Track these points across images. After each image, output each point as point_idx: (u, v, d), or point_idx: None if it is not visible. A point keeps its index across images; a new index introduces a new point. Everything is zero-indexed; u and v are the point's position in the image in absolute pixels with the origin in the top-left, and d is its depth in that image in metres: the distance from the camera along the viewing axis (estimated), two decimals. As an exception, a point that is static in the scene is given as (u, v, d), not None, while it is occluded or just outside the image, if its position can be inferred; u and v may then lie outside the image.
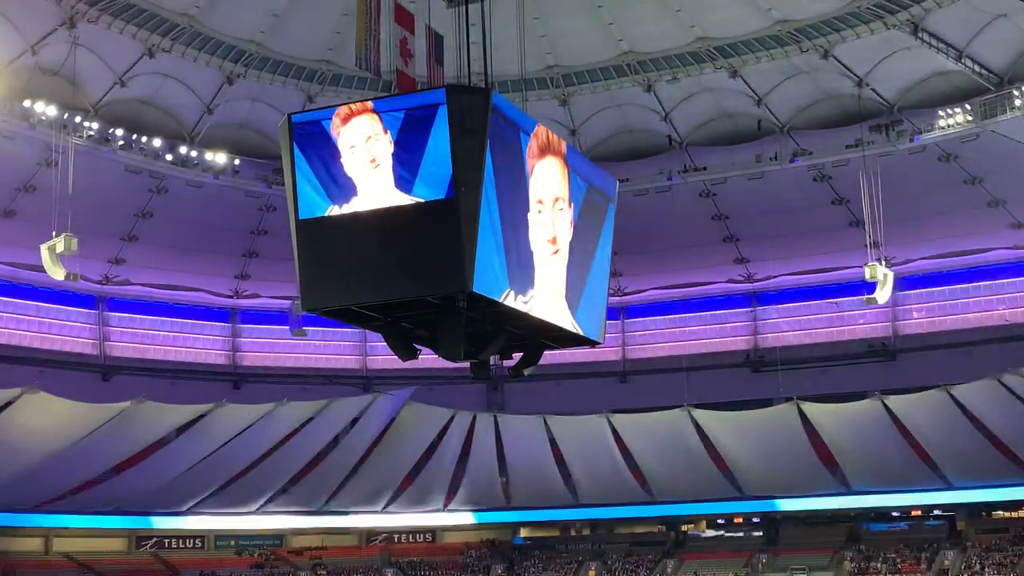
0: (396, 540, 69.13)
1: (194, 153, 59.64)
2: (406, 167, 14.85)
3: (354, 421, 69.22)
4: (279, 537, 67.19)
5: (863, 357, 70.67)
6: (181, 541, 64.87)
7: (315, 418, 67.52)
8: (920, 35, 54.54)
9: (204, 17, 53.70)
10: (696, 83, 60.69)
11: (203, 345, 74.03)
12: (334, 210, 15.20)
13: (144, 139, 57.62)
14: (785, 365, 71.17)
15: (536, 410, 70.38)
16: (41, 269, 43.33)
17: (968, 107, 56.70)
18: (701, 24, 56.15)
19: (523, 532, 70.83)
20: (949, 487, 59.58)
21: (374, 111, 15.18)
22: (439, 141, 14.57)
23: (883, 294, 47.02)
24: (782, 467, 63.45)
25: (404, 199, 14.80)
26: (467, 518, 67.40)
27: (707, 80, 60.27)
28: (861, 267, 50.41)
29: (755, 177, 63.48)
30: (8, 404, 59.27)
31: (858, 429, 63.80)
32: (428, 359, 17.66)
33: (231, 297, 73.44)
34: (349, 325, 17.90)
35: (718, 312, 75.17)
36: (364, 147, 15.13)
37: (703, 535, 68.15)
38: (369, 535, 68.79)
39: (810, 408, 66.00)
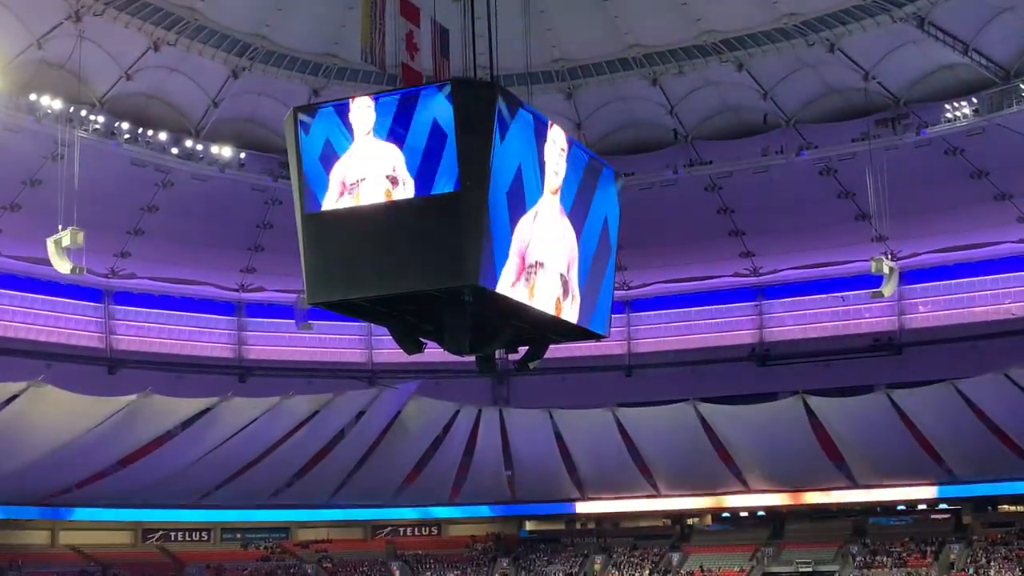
0: (402, 533, 69.30)
1: (200, 147, 59.60)
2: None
3: (360, 415, 69.25)
4: (285, 530, 67.35)
5: (869, 351, 70.55)
6: (187, 534, 65.11)
7: (320, 412, 67.55)
8: (926, 28, 54.38)
9: (209, 10, 53.68)
10: (702, 77, 60.51)
11: (209, 339, 74.10)
12: (340, 204, 15.19)
13: (150, 133, 57.61)
14: (791, 359, 71.16)
15: (541, 404, 70.39)
16: (47, 263, 43.25)
17: (974, 101, 56.58)
18: (707, 17, 55.99)
19: (528, 525, 70.94)
20: (955, 481, 59.57)
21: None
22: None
23: (889, 288, 47.04)
24: (788, 461, 63.39)
25: (410, 193, 14.79)
26: (472, 512, 67.49)
27: (713, 74, 60.10)
28: (867, 261, 50.59)
29: (761, 171, 63.30)
30: (14, 397, 59.27)
31: (864, 423, 63.71)
32: (433, 353, 17.60)
33: (237, 291, 73.44)
34: (354, 319, 17.86)
35: (723, 306, 75.11)
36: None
37: (708, 529, 68.25)
38: (375, 528, 68.99)
39: (816, 402, 65.90)
